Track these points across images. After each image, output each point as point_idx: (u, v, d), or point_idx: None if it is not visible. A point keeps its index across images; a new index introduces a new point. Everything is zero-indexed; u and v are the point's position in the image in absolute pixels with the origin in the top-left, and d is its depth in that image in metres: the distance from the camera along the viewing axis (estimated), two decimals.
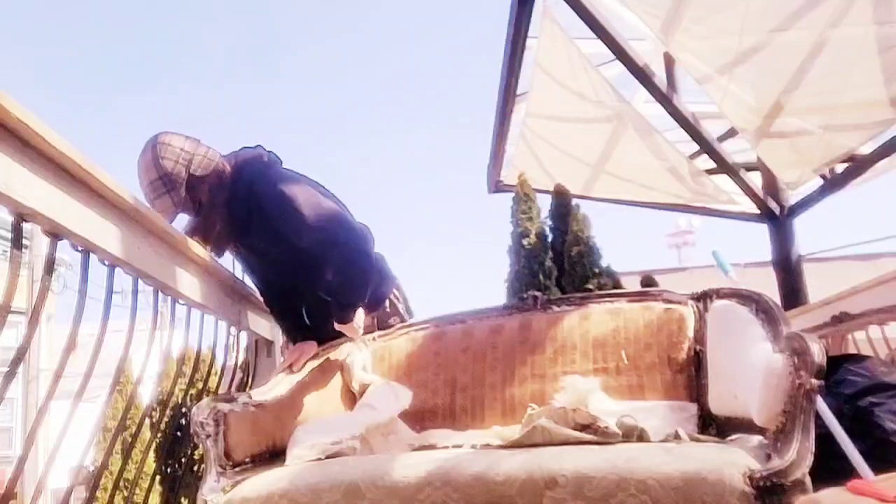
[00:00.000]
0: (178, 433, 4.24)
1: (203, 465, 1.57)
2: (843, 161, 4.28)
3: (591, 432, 1.37)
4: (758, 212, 5.03)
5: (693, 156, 4.91)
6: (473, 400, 1.96)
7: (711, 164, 4.88)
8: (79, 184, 1.50)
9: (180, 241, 1.96)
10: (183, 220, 2.10)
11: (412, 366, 2.09)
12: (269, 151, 2.12)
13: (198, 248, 2.06)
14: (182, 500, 3.02)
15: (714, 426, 1.66)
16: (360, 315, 2.04)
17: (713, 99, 4.13)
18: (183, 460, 4.27)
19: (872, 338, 2.94)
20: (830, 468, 1.25)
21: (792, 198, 4.92)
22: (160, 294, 1.95)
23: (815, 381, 1.18)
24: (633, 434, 1.39)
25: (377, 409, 1.87)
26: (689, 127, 4.48)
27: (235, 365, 2.55)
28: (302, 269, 2.05)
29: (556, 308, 2.04)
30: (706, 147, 4.64)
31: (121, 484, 2.21)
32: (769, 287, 3.70)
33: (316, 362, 2.02)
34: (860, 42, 3.28)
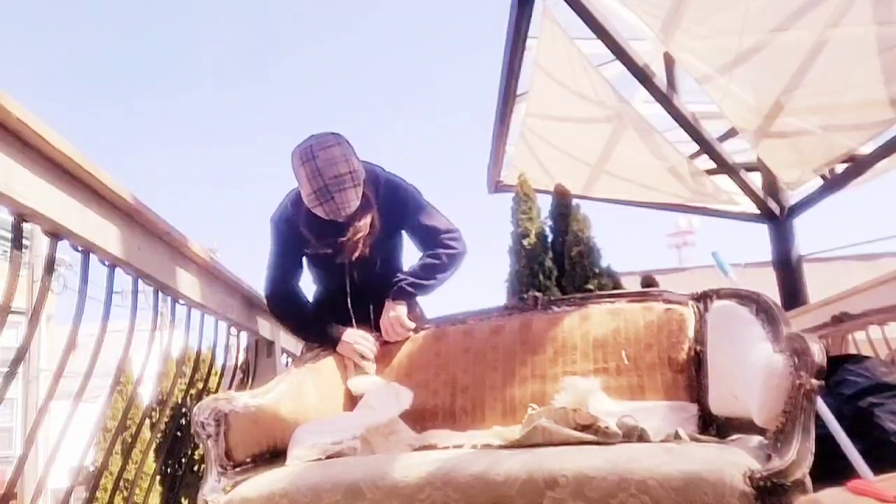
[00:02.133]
0: (178, 433, 4.24)
1: (203, 465, 1.57)
2: (843, 161, 4.28)
3: (592, 432, 1.37)
4: (758, 212, 5.03)
5: (693, 156, 4.91)
6: (474, 400, 1.96)
7: (711, 164, 4.88)
8: (79, 184, 1.51)
9: (180, 241, 1.96)
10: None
11: (412, 366, 2.09)
12: None
13: (198, 248, 2.06)
14: (182, 500, 3.01)
15: (714, 426, 1.65)
16: (403, 308, 2.14)
17: (713, 99, 4.13)
18: (183, 460, 4.26)
19: (872, 338, 2.94)
20: (830, 468, 1.25)
21: (792, 198, 4.92)
22: (160, 294, 1.95)
23: (815, 382, 1.18)
24: (634, 434, 1.39)
25: (377, 409, 1.87)
26: (689, 127, 4.48)
27: (235, 365, 2.56)
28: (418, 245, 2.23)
29: (556, 308, 2.04)
30: (706, 147, 4.64)
31: (121, 484, 2.20)
32: (769, 287, 3.69)
33: (317, 361, 2.02)
34: (860, 42, 3.28)
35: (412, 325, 2.14)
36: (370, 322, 2.16)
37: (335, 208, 1.93)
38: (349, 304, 2.16)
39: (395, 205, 2.13)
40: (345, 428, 1.70)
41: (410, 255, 2.28)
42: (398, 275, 2.18)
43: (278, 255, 2.17)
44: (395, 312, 2.12)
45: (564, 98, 4.74)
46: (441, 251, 2.16)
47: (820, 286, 4.33)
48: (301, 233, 2.07)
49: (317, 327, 2.14)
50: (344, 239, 2.02)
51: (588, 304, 2.02)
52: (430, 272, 2.17)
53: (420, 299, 2.24)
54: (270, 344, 2.66)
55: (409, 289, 2.14)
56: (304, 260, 2.21)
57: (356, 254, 2.06)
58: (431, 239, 2.18)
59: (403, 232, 2.23)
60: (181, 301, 2.07)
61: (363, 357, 2.07)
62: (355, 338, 2.08)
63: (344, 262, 2.10)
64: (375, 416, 1.82)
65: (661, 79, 4.29)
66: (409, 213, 2.16)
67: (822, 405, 1.51)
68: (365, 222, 2.03)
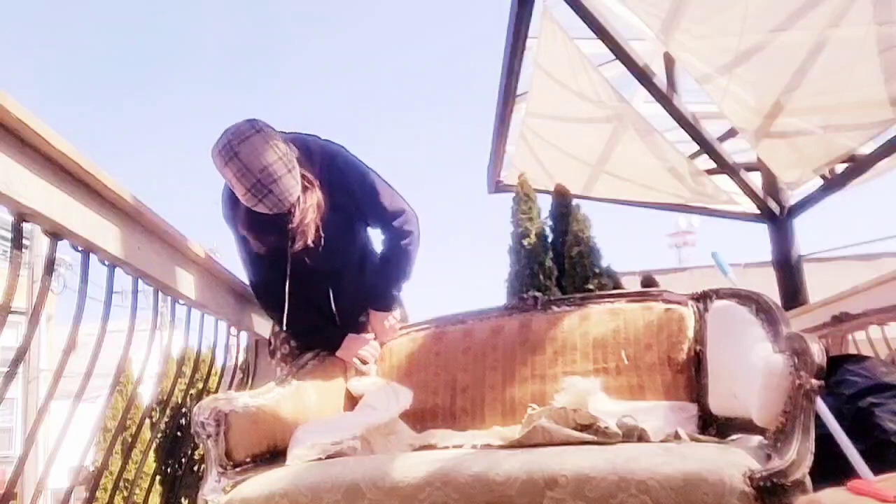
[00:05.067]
0: (179, 433, 4.24)
1: (203, 465, 1.57)
2: (843, 161, 4.28)
3: (592, 432, 1.37)
4: (758, 212, 5.03)
5: (693, 156, 4.91)
6: (474, 400, 1.96)
7: (711, 164, 4.88)
8: (79, 184, 1.51)
9: (180, 241, 1.96)
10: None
11: (412, 366, 2.09)
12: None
13: (198, 248, 2.06)
14: (182, 500, 3.02)
15: (714, 426, 1.65)
16: (385, 315, 2.12)
17: (713, 99, 4.13)
18: (183, 460, 4.27)
19: (872, 338, 2.94)
20: (830, 468, 1.25)
21: (792, 198, 4.92)
22: (160, 294, 1.95)
23: (815, 382, 1.18)
24: (634, 434, 1.39)
25: (377, 409, 1.87)
26: (689, 127, 4.48)
27: (235, 365, 2.56)
28: (369, 247, 2.15)
29: (556, 308, 2.04)
30: (706, 147, 4.64)
31: (121, 484, 2.20)
32: (769, 287, 3.69)
33: (317, 361, 2.02)
34: (860, 42, 3.28)
35: (398, 324, 2.16)
36: (334, 316, 2.13)
37: (276, 201, 1.77)
38: (318, 292, 2.10)
39: (335, 175, 1.97)
40: (345, 428, 1.70)
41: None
42: (367, 279, 2.13)
43: (243, 253, 2.09)
44: (385, 319, 2.12)
45: (564, 98, 4.74)
46: (398, 244, 2.07)
47: (820, 286, 4.33)
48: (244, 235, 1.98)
49: (312, 330, 2.09)
50: (293, 226, 1.86)
51: (588, 304, 2.02)
52: (396, 271, 2.11)
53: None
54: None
55: (386, 293, 2.12)
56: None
57: (310, 238, 1.91)
58: (383, 222, 2.06)
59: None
60: (181, 301, 2.07)
61: (363, 362, 2.07)
62: (358, 343, 2.07)
63: (298, 250, 1.95)
64: (375, 416, 1.82)
65: (661, 79, 4.28)
66: (357, 188, 2.00)
67: (821, 405, 1.51)
68: (311, 203, 1.87)
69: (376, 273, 2.13)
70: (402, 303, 2.28)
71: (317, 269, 2.05)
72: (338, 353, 2.06)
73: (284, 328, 2.16)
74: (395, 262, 2.10)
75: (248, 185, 1.74)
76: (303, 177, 1.85)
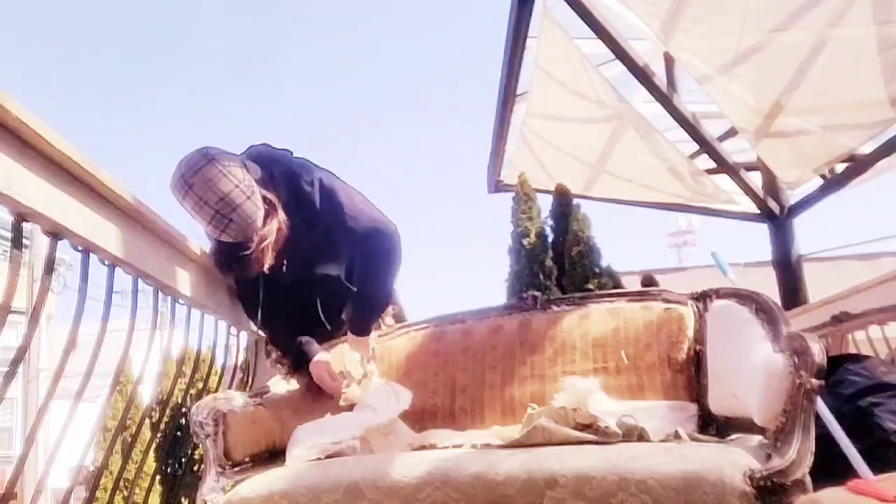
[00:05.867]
0: (178, 433, 4.24)
1: (203, 465, 1.57)
2: (843, 161, 4.29)
3: (592, 432, 1.37)
4: (758, 212, 5.03)
5: (693, 156, 4.92)
6: (473, 400, 1.96)
7: (711, 164, 4.89)
8: (79, 184, 1.51)
9: (180, 240, 1.96)
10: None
11: (412, 366, 2.09)
12: (276, 149, 2.03)
13: (197, 248, 2.06)
14: (182, 500, 3.02)
15: (714, 426, 1.65)
16: (373, 335, 2.07)
17: (713, 99, 4.14)
18: (183, 460, 4.27)
19: (872, 338, 2.93)
20: (830, 468, 1.25)
21: (792, 198, 4.92)
22: (160, 294, 1.95)
23: (815, 381, 1.18)
24: (634, 434, 1.39)
25: (377, 410, 1.86)
26: (689, 127, 4.48)
27: (235, 365, 2.55)
28: (349, 266, 2.05)
29: (555, 308, 2.04)
30: (706, 147, 4.64)
31: (121, 484, 2.20)
32: (769, 287, 3.70)
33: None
34: (860, 42, 3.28)
35: (377, 346, 2.08)
36: (322, 323, 2.09)
37: (239, 229, 1.73)
38: (303, 300, 2.06)
39: (305, 198, 1.92)
40: (344, 428, 1.69)
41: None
42: (348, 278, 2.06)
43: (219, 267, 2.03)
44: (365, 344, 2.02)
45: (564, 98, 4.75)
46: (370, 271, 2.00)
47: (820, 286, 4.33)
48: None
49: (286, 347, 2.06)
50: (248, 252, 1.79)
51: (587, 304, 2.02)
52: (373, 296, 2.02)
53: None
54: None
55: (365, 321, 2.03)
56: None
57: (266, 263, 1.85)
58: (351, 241, 1.99)
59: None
60: (181, 301, 2.07)
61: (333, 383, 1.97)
62: (322, 372, 1.94)
63: (266, 274, 1.91)
64: (375, 417, 1.82)
65: (661, 79, 4.29)
66: (321, 207, 1.93)
67: (821, 405, 1.51)
68: (269, 228, 1.81)
69: (353, 301, 2.05)
70: (399, 299, 2.26)
71: (297, 282, 2.01)
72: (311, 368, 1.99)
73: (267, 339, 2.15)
74: (371, 290, 2.02)
75: (208, 216, 1.71)
76: (264, 199, 1.79)
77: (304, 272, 2.00)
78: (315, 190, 1.93)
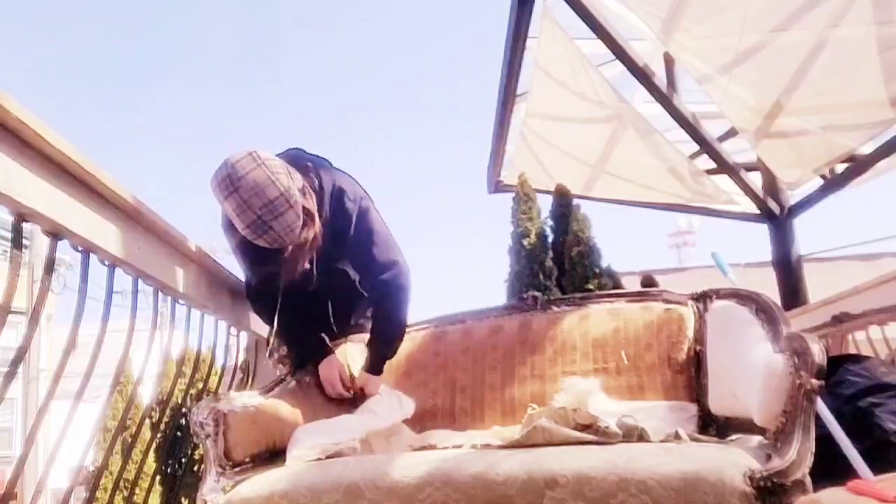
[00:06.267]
0: (178, 433, 4.24)
1: (203, 465, 1.57)
2: (843, 161, 4.28)
3: (592, 432, 1.37)
4: (758, 212, 5.03)
5: (693, 156, 4.92)
6: (473, 400, 1.96)
7: (711, 164, 4.88)
8: (79, 184, 1.51)
9: (180, 240, 1.96)
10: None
11: (412, 366, 2.09)
12: (311, 155, 2.04)
13: (198, 248, 2.06)
14: (182, 500, 3.02)
15: (714, 426, 1.65)
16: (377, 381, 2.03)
17: (713, 99, 4.13)
18: (183, 460, 4.27)
19: (873, 338, 2.93)
20: (830, 468, 1.25)
21: (792, 198, 4.92)
22: (160, 294, 1.95)
23: (815, 382, 1.18)
24: (634, 434, 1.39)
25: (379, 415, 1.86)
26: (689, 127, 4.48)
27: (235, 365, 2.55)
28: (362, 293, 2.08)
29: (555, 308, 2.04)
30: (706, 147, 4.64)
31: (121, 484, 2.20)
32: (769, 287, 3.70)
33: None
34: (860, 42, 3.28)
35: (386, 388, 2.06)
36: (330, 325, 2.10)
37: (277, 237, 1.74)
38: (314, 303, 2.07)
39: (343, 215, 1.95)
40: (345, 430, 1.69)
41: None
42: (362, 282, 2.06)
43: (240, 262, 2.06)
44: (376, 384, 2.00)
45: (564, 98, 4.75)
46: (384, 308, 2.01)
47: (820, 286, 4.33)
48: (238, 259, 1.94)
49: (298, 345, 2.07)
50: (285, 256, 1.82)
51: (588, 304, 2.02)
52: (387, 334, 2.02)
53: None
54: None
55: (380, 359, 2.01)
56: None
57: (298, 270, 1.88)
58: (368, 272, 2.01)
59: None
60: (181, 301, 2.07)
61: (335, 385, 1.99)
62: (332, 371, 1.97)
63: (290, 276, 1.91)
64: (377, 422, 1.82)
65: (661, 79, 4.29)
66: (354, 230, 1.97)
67: (821, 405, 1.51)
68: (307, 236, 1.83)
69: (370, 339, 2.05)
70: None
71: (313, 288, 2.02)
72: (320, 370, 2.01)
73: (275, 337, 2.15)
74: (385, 326, 2.02)
75: (248, 221, 1.70)
76: (304, 209, 1.80)
77: (323, 274, 2.01)
78: (355, 209, 1.96)
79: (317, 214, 1.86)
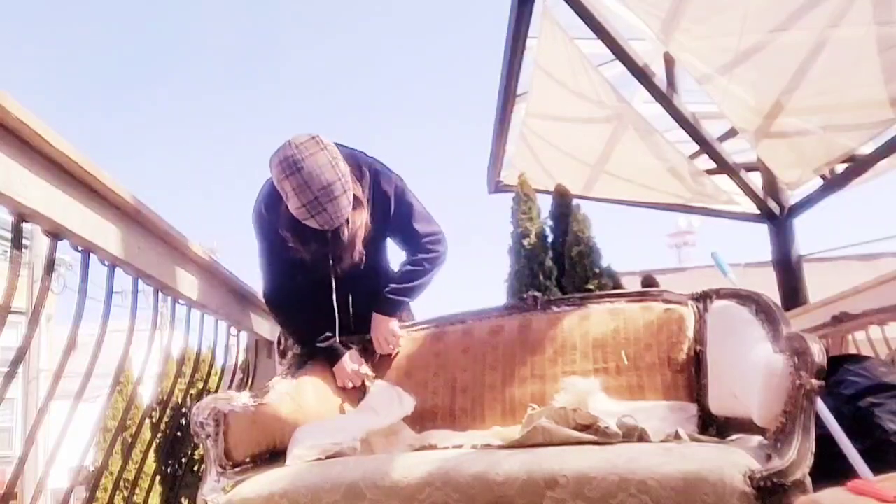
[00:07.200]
0: (179, 433, 4.24)
1: (203, 465, 1.57)
2: (843, 161, 4.28)
3: (592, 432, 1.37)
4: (758, 212, 5.03)
5: (693, 156, 4.92)
6: (473, 400, 1.96)
7: (711, 164, 4.88)
8: (79, 184, 1.51)
9: (180, 241, 1.96)
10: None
11: (412, 366, 2.09)
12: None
13: (198, 248, 2.06)
14: (182, 500, 3.02)
15: (714, 426, 1.65)
16: (394, 322, 2.13)
17: (713, 99, 4.13)
18: (183, 460, 4.27)
19: (872, 338, 2.94)
20: (830, 468, 1.25)
21: (792, 198, 4.92)
22: (160, 294, 1.95)
23: (815, 382, 1.18)
24: (634, 434, 1.39)
25: (379, 413, 1.86)
26: (689, 127, 4.48)
27: (235, 365, 2.56)
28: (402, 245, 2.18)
29: (555, 308, 2.04)
30: (706, 147, 4.64)
31: (121, 484, 2.20)
32: (769, 287, 3.69)
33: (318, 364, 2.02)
34: (860, 42, 3.28)
35: (402, 333, 2.14)
36: (350, 321, 2.13)
37: (328, 219, 1.82)
38: (334, 305, 2.10)
39: (382, 197, 2.05)
40: (345, 430, 1.69)
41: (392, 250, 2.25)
42: (384, 286, 2.13)
43: (266, 253, 2.07)
44: (388, 326, 2.10)
45: (564, 98, 4.75)
46: (423, 257, 2.12)
47: (820, 286, 4.33)
48: (283, 236, 1.97)
49: (316, 342, 2.07)
50: (343, 241, 1.92)
51: (588, 304, 2.02)
52: (414, 281, 2.13)
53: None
54: (270, 344, 2.66)
55: (397, 299, 2.12)
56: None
57: (355, 256, 1.98)
58: (414, 243, 2.12)
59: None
60: (181, 301, 2.07)
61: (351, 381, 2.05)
62: (348, 370, 2.03)
63: (331, 264, 2.00)
64: (377, 421, 1.82)
65: (661, 79, 4.29)
66: (395, 209, 2.07)
67: (821, 405, 1.51)
68: (360, 222, 1.94)
69: (392, 280, 2.15)
70: (409, 310, 2.28)
71: (343, 278, 2.08)
72: (334, 370, 2.05)
73: (296, 334, 2.18)
74: (413, 269, 2.12)
75: (305, 200, 1.78)
76: (354, 196, 1.89)
77: (358, 270, 2.06)
78: (392, 190, 2.06)
79: (366, 202, 1.96)
